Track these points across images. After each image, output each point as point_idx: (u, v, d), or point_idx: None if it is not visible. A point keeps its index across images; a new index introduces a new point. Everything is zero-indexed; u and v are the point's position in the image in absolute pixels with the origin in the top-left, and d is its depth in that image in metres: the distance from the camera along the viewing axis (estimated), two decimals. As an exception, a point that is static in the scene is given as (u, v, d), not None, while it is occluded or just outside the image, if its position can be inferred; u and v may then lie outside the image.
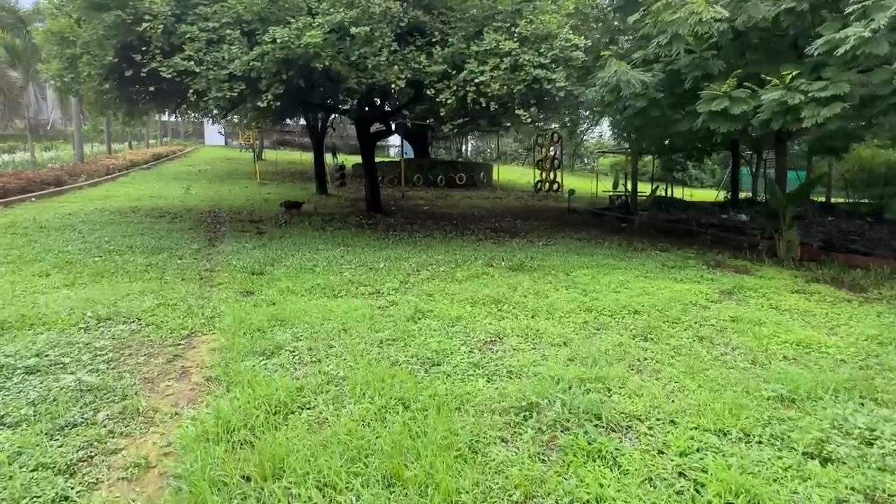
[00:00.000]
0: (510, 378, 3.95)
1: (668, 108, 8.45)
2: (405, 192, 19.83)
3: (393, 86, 8.16)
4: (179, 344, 4.74)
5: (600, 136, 44.16)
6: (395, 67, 8.02)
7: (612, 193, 19.99)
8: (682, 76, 7.98)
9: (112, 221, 11.14)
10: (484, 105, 8.11)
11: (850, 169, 19.41)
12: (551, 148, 21.77)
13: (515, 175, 31.75)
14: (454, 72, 8.24)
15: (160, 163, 28.65)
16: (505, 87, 7.86)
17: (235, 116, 24.79)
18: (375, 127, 14.35)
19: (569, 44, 7.84)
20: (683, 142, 10.72)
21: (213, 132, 43.09)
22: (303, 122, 38.38)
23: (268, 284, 6.71)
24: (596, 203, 20.97)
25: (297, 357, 4.34)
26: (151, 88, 8.44)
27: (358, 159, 26.12)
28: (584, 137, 41.75)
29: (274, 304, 5.87)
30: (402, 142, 23.94)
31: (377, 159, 31.31)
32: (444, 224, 12.92)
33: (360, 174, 21.70)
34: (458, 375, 3.96)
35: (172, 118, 43.58)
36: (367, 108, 12.47)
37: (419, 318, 5.26)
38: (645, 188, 26.29)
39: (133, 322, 5.23)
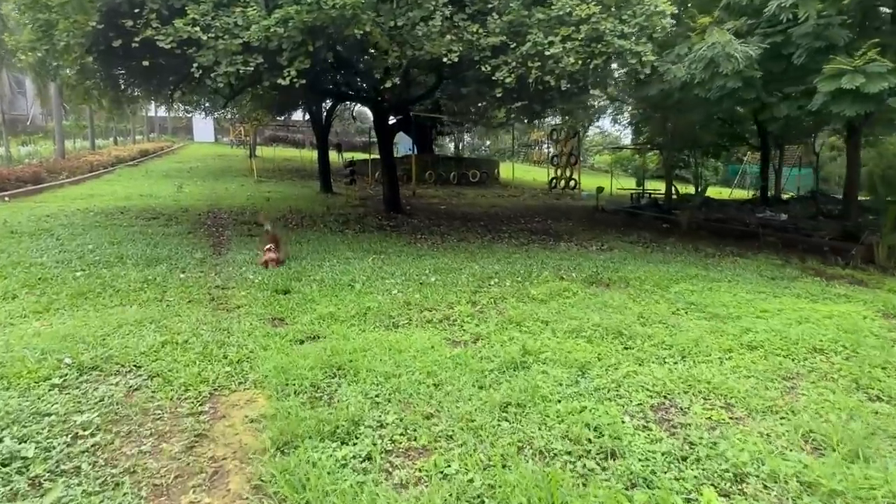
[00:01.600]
0: (765, 489, 2.46)
1: (763, 90, 7.05)
2: (415, 189, 18.28)
3: (445, 59, 6.60)
4: (201, 412, 3.20)
5: (601, 130, 42.84)
6: (448, 38, 6.49)
7: (633, 192, 18.67)
8: (790, 49, 6.57)
9: (97, 224, 9.46)
10: (552, 84, 6.62)
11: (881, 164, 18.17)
12: (567, 143, 20.37)
13: (520, 172, 30.27)
14: (513, 44, 6.73)
15: (148, 159, 26.72)
16: (580, 63, 6.39)
17: (229, 111, 23.06)
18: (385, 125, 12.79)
19: (655, 9, 6.39)
20: (780, 128, 9.02)
21: (203, 128, 41.00)
22: (297, 116, 36.65)
23: (301, 307, 5.17)
24: (615, 201, 19.65)
25: (387, 442, 2.82)
26: (145, 63, 6.80)
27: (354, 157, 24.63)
28: (586, 132, 40.51)
29: (319, 338, 4.35)
30: (413, 138, 22.25)
31: (366, 157, 29.69)
32: (472, 225, 11.43)
33: (365, 171, 20.13)
34: (663, 482, 2.46)
35: (160, 113, 41.44)
36: (385, 97, 10.90)
37: (530, 363, 3.78)
38: (656, 186, 25.11)
39: (129, 373, 3.68)
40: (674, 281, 6.49)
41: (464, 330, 4.59)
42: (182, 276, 6.30)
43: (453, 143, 40.56)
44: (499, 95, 6.92)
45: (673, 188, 16.21)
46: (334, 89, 11.01)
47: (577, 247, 9.18)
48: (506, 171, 27.70)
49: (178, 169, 22.79)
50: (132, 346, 4.09)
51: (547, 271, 6.91)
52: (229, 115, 25.19)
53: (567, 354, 3.91)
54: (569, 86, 6.63)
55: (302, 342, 4.29)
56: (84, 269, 6.36)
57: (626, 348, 4.14)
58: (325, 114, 16.76)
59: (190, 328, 4.53)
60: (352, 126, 34.88)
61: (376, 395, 3.31)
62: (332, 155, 20.05)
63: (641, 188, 18.47)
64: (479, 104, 8.36)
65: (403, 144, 33.72)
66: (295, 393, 3.34)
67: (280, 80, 6.34)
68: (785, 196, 20.94)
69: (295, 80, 6.37)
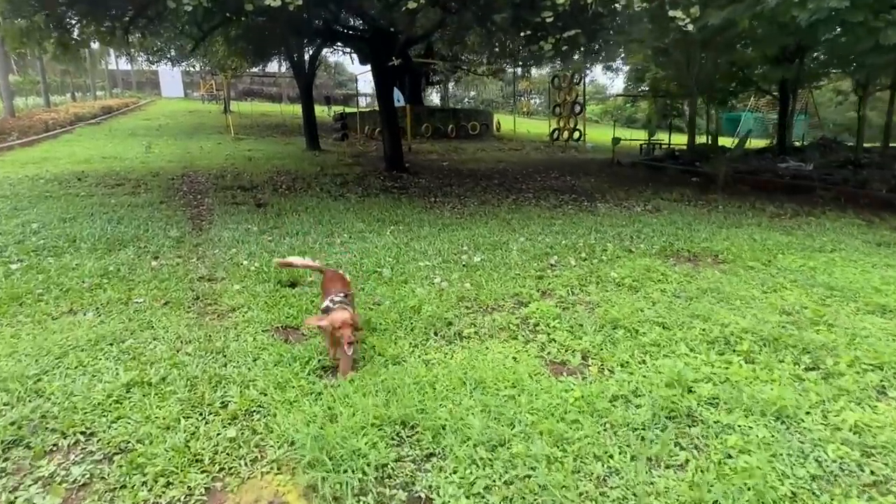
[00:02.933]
0: None
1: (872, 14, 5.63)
2: (410, 144, 16.63)
3: None
4: (194, 539, 1.85)
5: (590, 79, 40.90)
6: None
7: (643, 143, 17.28)
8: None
9: (48, 195, 7.79)
10: (621, 4, 5.09)
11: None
12: (570, 91, 18.70)
13: (510, 123, 28.53)
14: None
15: (111, 117, 24.26)
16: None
17: (198, 59, 20.66)
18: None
19: None
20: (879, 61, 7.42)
21: (171, 82, 37.91)
22: (272, 68, 33.93)
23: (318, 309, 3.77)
24: (625, 154, 18.27)
25: None
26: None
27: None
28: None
29: (356, 363, 2.98)
30: (404, 87, 20.20)
31: (353, 110, 27.59)
32: (487, 185, 9.98)
33: (353, 126, 18.29)
34: None
35: (123, 66, 38.10)
36: (396, 30, 9.15)
37: (696, 410, 2.48)
38: (641, 135, 23.74)
39: (75, 448, 2.29)
40: (770, 252, 5.22)
41: (558, 342, 3.26)
42: (154, 264, 4.82)
43: (439, 94, 38.36)
44: (549, 20, 5.36)
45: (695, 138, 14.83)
46: (325, 27, 9.21)
47: (619, 208, 7.85)
48: (503, 123, 25.97)
49: (146, 127, 20.59)
50: (82, 392, 2.68)
51: (609, 243, 5.58)
52: (199, 67, 22.76)
53: (738, 389, 2.62)
54: (644, 4, 5.12)
55: (335, 370, 2.93)
56: (23, 258, 4.82)
57: (808, 369, 2.86)
58: (308, 61, 14.79)
59: (168, 352, 3.12)
60: (331, 77, 32.51)
61: (483, 495, 1.98)
62: (318, 109, 18.11)
63: (650, 139, 17.06)
64: (506, 40, 6.77)
65: (395, 96, 31.53)
66: (352, 493, 2.00)
67: (270, 1, 4.68)
68: (797, 144, 19.78)
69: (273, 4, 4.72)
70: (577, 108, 18.64)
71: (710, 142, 15.72)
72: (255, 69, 19.73)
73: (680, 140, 21.63)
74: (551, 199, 8.48)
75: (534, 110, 42.21)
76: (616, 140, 14.30)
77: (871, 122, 31.71)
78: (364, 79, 24.78)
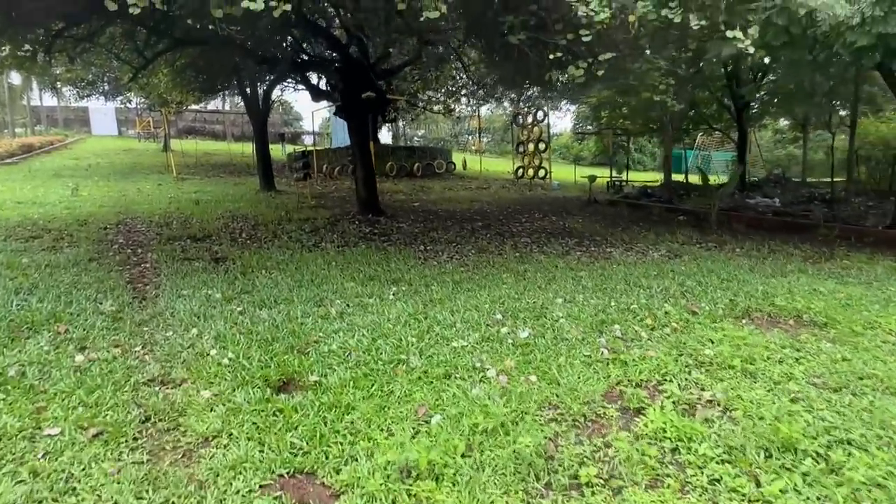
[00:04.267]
0: None
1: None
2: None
3: None
4: None
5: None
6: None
7: (610, 179, 16.93)
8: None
9: (-65, 254, 6.03)
10: (675, 20, 4.24)
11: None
12: (534, 128, 18.24)
13: (469, 161, 27.99)
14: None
15: (32, 156, 21.73)
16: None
17: (133, 97, 18.79)
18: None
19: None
20: None
21: (103, 119, 35.12)
22: (213, 105, 32.09)
23: (335, 439, 2.51)
24: (586, 190, 17.85)
25: None
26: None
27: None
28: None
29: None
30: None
31: (287, 150, 26.24)
32: (472, 228, 8.95)
33: (310, 165, 16.90)
34: None
35: (48, 102, 35.01)
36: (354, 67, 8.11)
37: None
38: (597, 172, 23.75)
39: None
40: (854, 309, 4.38)
41: (730, 487, 2.12)
42: (80, 359, 3.36)
43: (390, 132, 37.63)
44: (586, 39, 4.45)
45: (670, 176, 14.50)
46: (291, 56, 8.05)
47: (633, 253, 6.97)
48: (459, 160, 25.29)
49: (74, 167, 18.38)
50: None
51: (665, 303, 4.58)
52: (135, 102, 20.85)
53: None
54: (700, 23, 4.30)
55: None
56: None
57: None
58: (262, 96, 13.47)
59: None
60: (280, 115, 31.13)
61: None
62: (276, 148, 16.67)
63: (618, 176, 16.69)
64: (517, 61, 5.87)
65: (341, 134, 30.46)
66: None
67: (249, 4, 3.48)
68: (754, 179, 20.11)
69: (274, 3, 3.55)
70: (542, 147, 18.15)
71: (685, 179, 15.52)
72: (199, 105, 18.13)
73: (638, 177, 21.69)
74: (555, 245, 7.51)
75: (485, 149, 42.16)
76: (592, 178, 13.72)
77: (799, 159, 33.42)
78: (321, 116, 23.56)
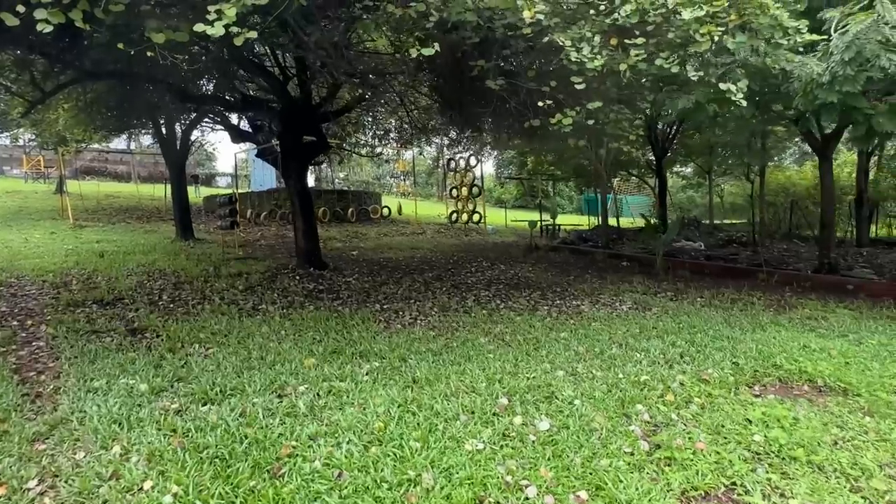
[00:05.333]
0: None
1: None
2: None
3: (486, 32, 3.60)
4: None
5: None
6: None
7: (544, 224, 17.06)
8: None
9: None
10: (672, 69, 3.99)
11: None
12: (468, 174, 18.15)
13: (394, 204, 27.55)
14: (602, 5, 4.02)
15: None
16: (721, 36, 3.90)
17: (24, 133, 16.57)
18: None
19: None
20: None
21: (-19, 158, 30.93)
22: (116, 144, 29.50)
23: None
24: (520, 234, 17.89)
25: None
26: None
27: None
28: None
29: None
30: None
31: (202, 192, 24.53)
32: (423, 280, 8.32)
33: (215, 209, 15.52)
34: None
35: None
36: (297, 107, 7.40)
37: None
38: (523, 216, 24.21)
39: None
40: (863, 366, 4.18)
41: None
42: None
43: (313, 175, 36.51)
44: (579, 87, 4.08)
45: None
46: (222, 95, 7.16)
47: (601, 307, 6.65)
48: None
49: (-58, 212, 15.71)
50: None
51: (670, 369, 4.16)
52: (24, 139, 18.44)
53: None
54: (699, 74, 4.08)
55: None
56: None
57: None
58: (181, 134, 12.21)
59: None
60: (194, 154, 29.20)
61: None
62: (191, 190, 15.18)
63: (551, 221, 16.80)
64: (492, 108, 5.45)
65: (260, 176, 28.94)
66: None
67: (206, 28, 2.72)
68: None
69: (236, 29, 2.83)
70: (476, 191, 18.07)
71: (618, 224, 15.88)
72: (104, 144, 16.31)
73: (563, 220, 22.22)
74: (519, 300, 7.03)
75: (410, 191, 42.01)
76: (533, 224, 13.61)
77: (697, 202, 36.08)
78: (238, 156, 22.24)
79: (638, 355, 4.56)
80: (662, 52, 4.17)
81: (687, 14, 3.69)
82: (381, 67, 7.74)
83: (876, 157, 16.33)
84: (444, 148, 20.60)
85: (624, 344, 4.91)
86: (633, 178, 23.75)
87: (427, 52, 3.44)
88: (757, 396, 3.72)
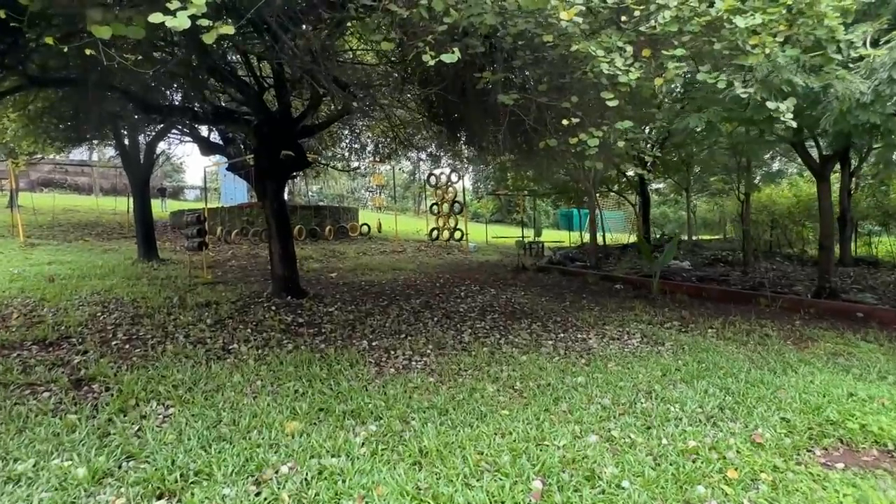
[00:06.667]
0: None
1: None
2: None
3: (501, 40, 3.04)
4: None
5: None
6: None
7: (529, 241, 16.58)
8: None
9: None
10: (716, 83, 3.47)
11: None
12: (449, 189, 17.56)
13: (372, 220, 26.82)
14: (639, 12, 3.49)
15: None
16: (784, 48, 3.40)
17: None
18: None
19: None
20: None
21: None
22: (76, 154, 28.01)
23: None
24: (503, 252, 17.36)
25: None
26: None
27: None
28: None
29: None
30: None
31: (169, 206, 23.36)
32: (410, 309, 7.66)
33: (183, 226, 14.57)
34: None
35: None
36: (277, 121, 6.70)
37: None
38: (504, 232, 23.79)
39: None
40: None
41: None
42: None
43: (287, 189, 35.48)
44: (611, 104, 3.53)
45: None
46: (190, 107, 6.39)
47: (609, 341, 6.09)
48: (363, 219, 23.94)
49: None
50: None
51: (716, 430, 3.58)
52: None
53: None
54: (748, 91, 3.56)
55: None
56: None
57: None
58: (145, 148, 11.27)
59: None
60: (161, 166, 27.95)
61: None
62: (156, 206, 14.15)
63: (536, 238, 16.33)
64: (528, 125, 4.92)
65: (230, 190, 27.79)
66: None
67: (165, 19, 2.04)
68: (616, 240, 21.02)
69: (207, 22, 2.15)
70: (458, 207, 17.48)
71: (604, 241, 15.47)
72: (61, 156, 15.16)
73: (545, 236, 21.83)
74: (518, 332, 6.41)
75: (386, 205, 41.26)
76: (521, 242, 13.06)
77: (670, 217, 36.39)
78: (207, 168, 21.24)
79: (673, 409, 3.97)
80: (703, 66, 3.62)
81: (741, 22, 3.15)
82: (365, 80, 7.12)
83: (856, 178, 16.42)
84: (422, 163, 20.05)
85: (652, 393, 4.32)
86: (612, 194, 23.59)
87: (449, 58, 2.82)
88: (827, 467, 3.16)
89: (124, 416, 3.72)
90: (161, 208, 23.05)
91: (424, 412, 3.84)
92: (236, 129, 7.99)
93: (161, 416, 3.73)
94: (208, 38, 2.21)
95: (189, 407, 3.86)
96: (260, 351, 5.30)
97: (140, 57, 4.25)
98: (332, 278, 10.54)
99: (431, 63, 2.85)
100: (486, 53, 4.51)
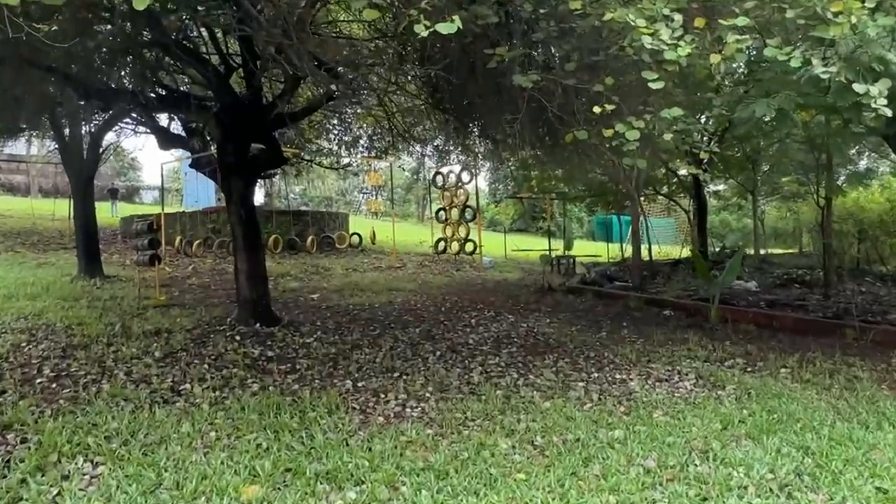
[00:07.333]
0: None
1: None
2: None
3: None
4: None
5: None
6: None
7: (557, 256, 16.45)
8: None
9: None
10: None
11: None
12: (460, 191, 17.48)
13: (365, 228, 26.84)
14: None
15: None
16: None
17: None
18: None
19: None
20: None
21: None
22: (18, 149, 28.41)
23: None
24: (525, 267, 17.26)
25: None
26: None
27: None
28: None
29: None
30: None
31: (121, 211, 23.53)
32: (407, 341, 7.62)
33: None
34: None
35: None
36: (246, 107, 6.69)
37: None
38: (522, 241, 23.66)
39: None
40: None
41: None
42: None
43: (263, 190, 35.74)
44: (655, 86, 3.43)
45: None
46: (139, 91, 6.39)
47: (655, 382, 5.97)
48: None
49: None
50: None
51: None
52: None
53: None
54: (829, 71, 3.44)
55: None
56: None
57: None
58: (89, 142, 11.35)
59: None
60: (113, 162, 28.31)
61: None
62: (106, 210, 14.22)
63: (566, 252, 16.20)
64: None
65: (194, 191, 28.03)
66: None
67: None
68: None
69: None
70: (470, 214, 17.40)
71: (650, 255, 15.31)
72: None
73: (577, 250, 21.70)
74: (541, 370, 6.27)
75: (381, 210, 41.44)
76: (547, 257, 12.96)
77: (732, 226, 36.19)
78: (179, 167, 21.52)
79: (736, 474, 3.79)
80: (771, 39, 3.51)
81: (823, -17, 3.04)
82: (354, 59, 7.09)
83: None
84: (427, 159, 20.07)
85: (708, 453, 4.15)
86: (661, 197, 23.40)
87: (447, 28, 2.71)
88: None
89: (42, 475, 3.62)
90: (111, 213, 23.25)
91: (419, 475, 3.70)
92: (194, 118, 7.99)
93: (87, 477, 3.62)
94: (139, 4, 2.14)
95: (123, 464, 3.75)
96: (217, 393, 5.21)
97: (71, 32, 4.22)
98: (313, 301, 10.52)
99: (424, 34, 2.75)
100: (501, 25, 4.44)
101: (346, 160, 20.05)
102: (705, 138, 13.64)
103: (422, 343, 7.42)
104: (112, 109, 8.44)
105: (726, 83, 5.76)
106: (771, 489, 3.62)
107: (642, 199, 27.13)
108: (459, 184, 17.67)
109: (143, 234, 9.64)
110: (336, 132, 15.29)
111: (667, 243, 26.94)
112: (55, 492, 3.43)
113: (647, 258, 15.91)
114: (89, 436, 4.17)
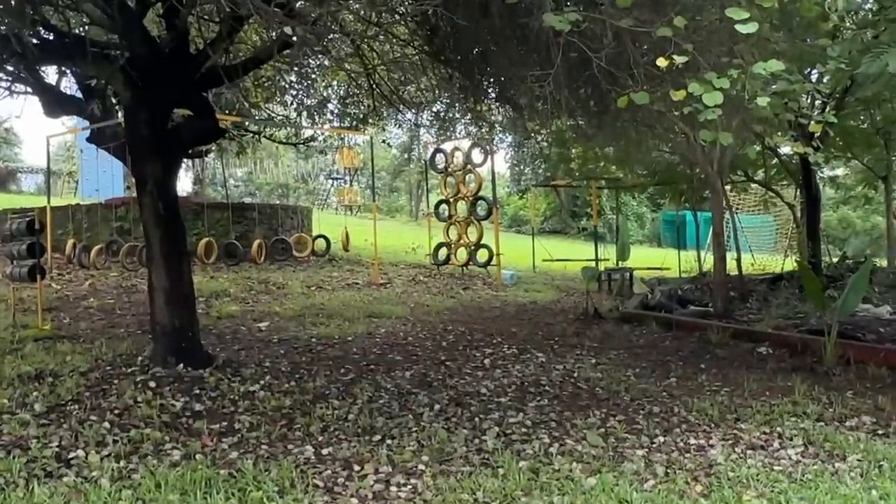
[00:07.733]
0: None
1: None
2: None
3: None
4: None
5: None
6: None
7: (607, 269, 16.60)
8: None
9: None
10: None
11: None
12: (469, 177, 17.58)
13: (336, 228, 27.24)
14: None
15: None
16: None
17: None
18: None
19: None
20: None
21: None
22: None
23: None
24: (561, 285, 17.43)
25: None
26: None
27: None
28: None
29: None
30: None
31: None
32: (395, 390, 7.87)
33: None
34: None
35: None
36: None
37: None
38: (567, 250, 23.80)
39: None
40: None
41: None
42: None
43: (191, 175, 36.21)
44: (743, 29, 3.49)
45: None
46: (24, 30, 6.52)
47: (746, 448, 6.12)
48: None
49: None
50: None
51: None
52: None
53: None
54: None
55: None
56: None
57: None
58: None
59: None
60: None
61: None
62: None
63: (621, 263, 16.36)
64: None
65: (94, 176, 28.37)
66: None
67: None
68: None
69: None
70: (484, 209, 17.52)
71: (739, 268, 15.42)
72: None
73: (637, 260, 21.86)
74: (586, 435, 6.34)
75: (358, 203, 41.87)
76: (590, 270, 13.10)
77: (856, 226, 36.45)
78: (73, 143, 21.80)
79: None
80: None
81: None
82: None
83: None
84: (424, 130, 20.27)
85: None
86: (754, 186, 23.56)
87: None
88: None
89: None
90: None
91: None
92: (93, 73, 8.16)
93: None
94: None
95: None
96: (123, 463, 5.30)
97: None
98: (261, 332, 10.77)
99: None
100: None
101: (308, 133, 20.34)
102: (817, 103, 13.82)
103: (414, 392, 7.58)
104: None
105: (847, 24, 5.84)
106: None
107: (728, 188, 27.20)
108: (468, 166, 17.85)
109: (21, 236, 9.77)
110: (294, 94, 15.54)
111: (763, 250, 27.08)
112: None
113: (736, 272, 16.02)
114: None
